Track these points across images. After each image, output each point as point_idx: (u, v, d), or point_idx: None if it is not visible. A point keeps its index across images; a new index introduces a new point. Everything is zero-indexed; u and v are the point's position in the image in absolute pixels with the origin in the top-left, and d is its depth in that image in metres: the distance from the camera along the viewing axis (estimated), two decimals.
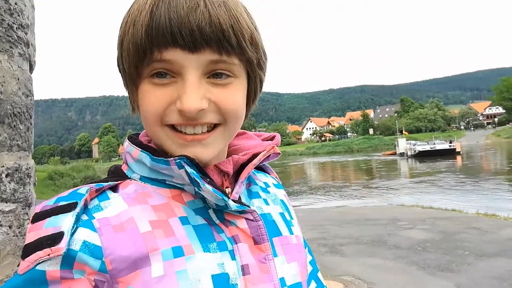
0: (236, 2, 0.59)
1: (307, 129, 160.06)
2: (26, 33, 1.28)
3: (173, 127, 0.59)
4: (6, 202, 1.12)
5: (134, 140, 0.66)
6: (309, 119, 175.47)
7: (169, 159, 0.57)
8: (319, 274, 0.82)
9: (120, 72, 0.65)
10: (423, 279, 5.19)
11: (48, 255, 0.50)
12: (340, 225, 9.26)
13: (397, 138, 64.31)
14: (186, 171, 0.57)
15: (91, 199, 0.57)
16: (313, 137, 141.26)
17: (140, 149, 0.62)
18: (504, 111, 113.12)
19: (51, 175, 18.07)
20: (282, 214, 0.74)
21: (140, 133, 0.70)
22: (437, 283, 5.01)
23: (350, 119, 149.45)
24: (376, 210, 11.94)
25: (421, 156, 44.21)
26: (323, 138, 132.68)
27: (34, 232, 0.52)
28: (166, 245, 0.55)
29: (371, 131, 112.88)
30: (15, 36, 1.21)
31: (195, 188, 0.59)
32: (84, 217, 0.54)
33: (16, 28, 1.22)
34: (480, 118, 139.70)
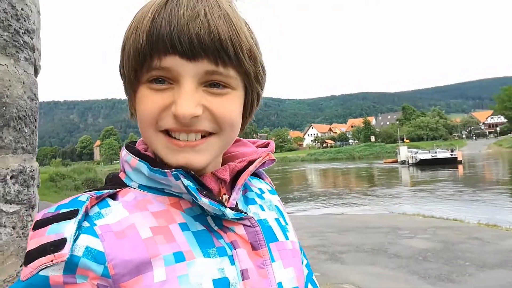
0: (237, 16, 0.61)
1: (308, 135, 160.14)
2: (32, 38, 1.30)
3: (167, 133, 0.60)
4: (10, 204, 1.13)
5: (132, 149, 0.66)
6: (311, 125, 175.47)
7: (166, 171, 0.58)
8: (314, 277, 0.83)
9: (121, 77, 0.66)
10: None
11: (51, 261, 0.50)
12: (341, 232, 9.24)
13: (399, 146, 64.21)
14: (183, 183, 0.58)
15: (91, 207, 0.58)
16: (314, 143, 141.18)
17: (138, 159, 0.63)
18: (506, 120, 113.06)
19: (52, 176, 18.08)
20: (277, 220, 0.75)
21: (137, 141, 0.71)
22: None
23: (352, 126, 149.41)
24: (377, 218, 11.91)
25: (422, 164, 44.11)
26: (324, 145, 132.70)
27: (36, 239, 0.53)
28: (167, 251, 0.56)
29: (372, 138, 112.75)
30: (21, 41, 1.22)
31: (193, 198, 0.60)
32: (86, 224, 0.55)
33: (23, 33, 1.23)
34: (482, 127, 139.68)
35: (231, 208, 0.62)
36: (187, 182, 0.58)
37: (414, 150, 55.33)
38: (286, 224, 0.77)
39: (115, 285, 0.53)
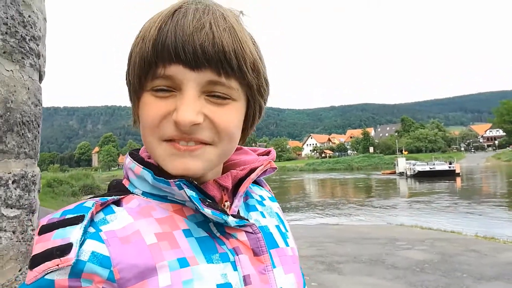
0: (242, 29, 0.62)
1: (307, 145, 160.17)
2: (37, 45, 1.32)
3: (168, 141, 0.60)
4: (11, 208, 1.14)
5: (136, 156, 0.67)
6: (310, 135, 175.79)
7: (169, 180, 0.60)
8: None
9: (126, 85, 0.67)
10: None
11: (57, 265, 0.51)
12: (338, 242, 9.22)
13: (397, 157, 64.24)
14: (186, 193, 0.59)
15: (96, 213, 0.59)
16: (313, 153, 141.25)
17: (142, 167, 0.64)
18: (504, 133, 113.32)
19: (50, 182, 18.02)
20: (278, 227, 0.76)
21: (140, 149, 0.72)
22: None
23: (351, 137, 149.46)
24: (375, 229, 11.89)
25: (421, 176, 44.13)
26: (323, 155, 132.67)
27: (42, 244, 0.54)
28: (171, 257, 0.57)
29: (371, 149, 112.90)
30: (27, 48, 1.24)
31: (195, 206, 0.61)
32: (91, 229, 0.56)
33: (29, 40, 1.25)
34: (481, 140, 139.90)
35: (233, 216, 0.63)
36: (190, 192, 0.59)
37: (413, 161, 55.28)
38: (286, 231, 0.79)
39: None
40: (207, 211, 0.59)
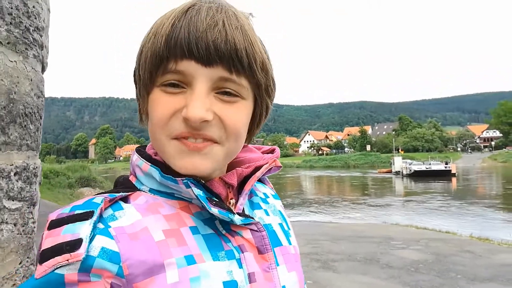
0: (252, 29, 0.63)
1: (304, 141, 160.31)
2: (41, 36, 1.31)
3: (177, 139, 0.61)
4: (13, 200, 1.13)
5: (143, 153, 0.68)
6: (307, 132, 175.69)
7: (177, 179, 0.60)
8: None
9: (135, 83, 0.68)
10: None
11: (67, 260, 0.51)
12: (333, 240, 9.25)
13: (393, 156, 64.37)
14: (193, 191, 0.60)
15: (105, 209, 0.59)
16: (310, 150, 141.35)
17: (150, 164, 0.64)
18: (501, 135, 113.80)
19: (46, 173, 17.92)
20: (281, 225, 0.77)
21: (146, 146, 0.73)
22: None
23: (348, 135, 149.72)
24: (370, 228, 11.93)
25: (417, 176, 44.23)
26: (320, 152, 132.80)
27: (52, 238, 0.54)
28: (179, 254, 0.58)
29: (368, 147, 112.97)
30: (31, 38, 1.23)
31: (202, 204, 0.61)
32: (100, 225, 0.56)
33: (32, 31, 1.24)
34: (477, 141, 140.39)
35: (238, 214, 0.64)
36: (197, 191, 0.60)
37: (409, 161, 55.40)
38: (289, 229, 0.79)
39: (129, 285, 0.54)
40: (214, 210, 0.60)
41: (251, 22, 0.65)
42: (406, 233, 10.49)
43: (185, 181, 0.60)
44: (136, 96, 0.69)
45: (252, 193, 0.79)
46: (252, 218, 0.66)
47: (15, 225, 1.14)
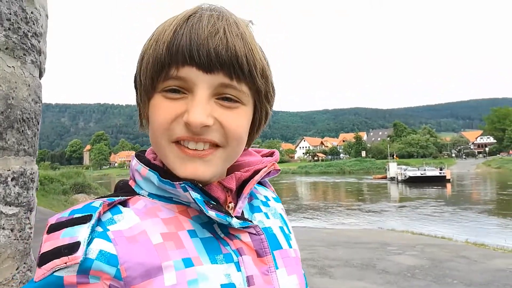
0: (252, 37, 0.65)
1: (300, 147, 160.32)
2: (39, 41, 1.31)
3: (177, 143, 0.62)
4: (10, 206, 1.13)
5: (142, 158, 0.69)
6: (303, 138, 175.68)
7: (175, 183, 0.61)
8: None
9: (135, 88, 0.69)
10: None
11: (65, 263, 0.52)
12: (330, 246, 9.24)
13: (388, 162, 64.54)
14: (191, 195, 0.60)
15: (104, 213, 0.60)
16: (306, 156, 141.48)
17: (148, 169, 0.65)
18: (495, 141, 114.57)
19: (40, 180, 17.80)
20: (281, 228, 0.77)
21: (146, 150, 0.74)
22: None
23: (343, 141, 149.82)
24: (366, 233, 11.94)
25: (411, 181, 44.36)
26: (315, 158, 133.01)
27: (51, 242, 0.55)
28: (177, 256, 0.58)
29: (363, 153, 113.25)
30: (29, 44, 1.23)
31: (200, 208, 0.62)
32: (99, 229, 0.57)
33: (31, 36, 1.24)
34: (472, 147, 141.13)
35: (237, 217, 0.64)
36: (194, 194, 0.60)
37: (404, 167, 55.60)
38: (290, 232, 0.80)
39: (127, 287, 0.55)
40: (212, 213, 0.60)
41: (251, 29, 0.67)
42: (402, 238, 10.50)
43: (182, 185, 0.60)
44: (137, 101, 0.70)
45: (252, 196, 0.79)
46: (251, 221, 0.67)
47: (12, 230, 1.13)
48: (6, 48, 1.12)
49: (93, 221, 0.56)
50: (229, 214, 0.62)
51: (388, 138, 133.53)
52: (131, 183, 0.70)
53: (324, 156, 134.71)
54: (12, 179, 1.14)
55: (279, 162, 0.79)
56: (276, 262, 0.68)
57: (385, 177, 55.95)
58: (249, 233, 0.66)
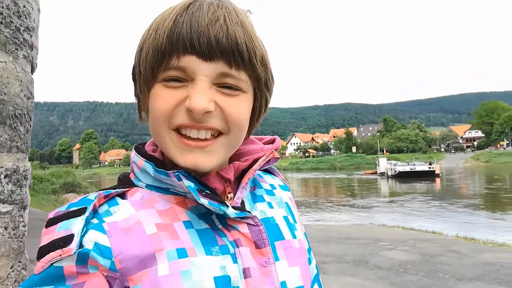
0: (251, 25, 0.65)
1: (291, 144, 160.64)
2: (31, 36, 1.28)
3: (179, 132, 0.62)
4: (3, 203, 1.11)
5: (140, 150, 0.69)
6: (294, 134, 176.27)
7: (168, 172, 0.61)
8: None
9: (133, 80, 0.69)
10: None
11: (60, 255, 0.54)
12: (322, 242, 9.27)
13: (378, 157, 64.97)
14: (184, 183, 0.61)
15: (100, 205, 0.61)
16: (297, 152, 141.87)
17: (144, 160, 0.65)
18: (483, 135, 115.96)
19: None
20: (286, 218, 0.75)
21: (146, 143, 0.74)
22: None
23: (334, 136, 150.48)
24: (357, 229, 12.01)
25: (401, 176, 44.69)
26: (306, 154, 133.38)
27: (48, 236, 0.56)
28: (171, 246, 0.58)
29: (354, 149, 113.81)
30: (21, 39, 1.21)
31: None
32: (95, 220, 0.58)
33: (23, 31, 1.21)
34: (460, 141, 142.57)
35: (235, 207, 0.64)
36: (188, 183, 0.60)
37: (393, 162, 55.96)
38: (295, 222, 0.78)
39: (123, 278, 0.56)
40: (204, 201, 0.60)
41: (250, 18, 0.66)
42: (393, 234, 10.58)
43: (176, 173, 0.60)
44: (135, 93, 0.70)
45: (255, 186, 0.78)
46: (249, 212, 0.66)
47: (5, 228, 1.11)
48: None
49: (87, 214, 0.57)
50: (224, 203, 0.62)
51: (378, 133, 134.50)
52: (131, 175, 0.70)
53: (315, 152, 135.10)
54: (5, 176, 1.12)
55: None
56: (277, 253, 0.67)
57: (375, 173, 56.32)
58: (248, 223, 0.66)
